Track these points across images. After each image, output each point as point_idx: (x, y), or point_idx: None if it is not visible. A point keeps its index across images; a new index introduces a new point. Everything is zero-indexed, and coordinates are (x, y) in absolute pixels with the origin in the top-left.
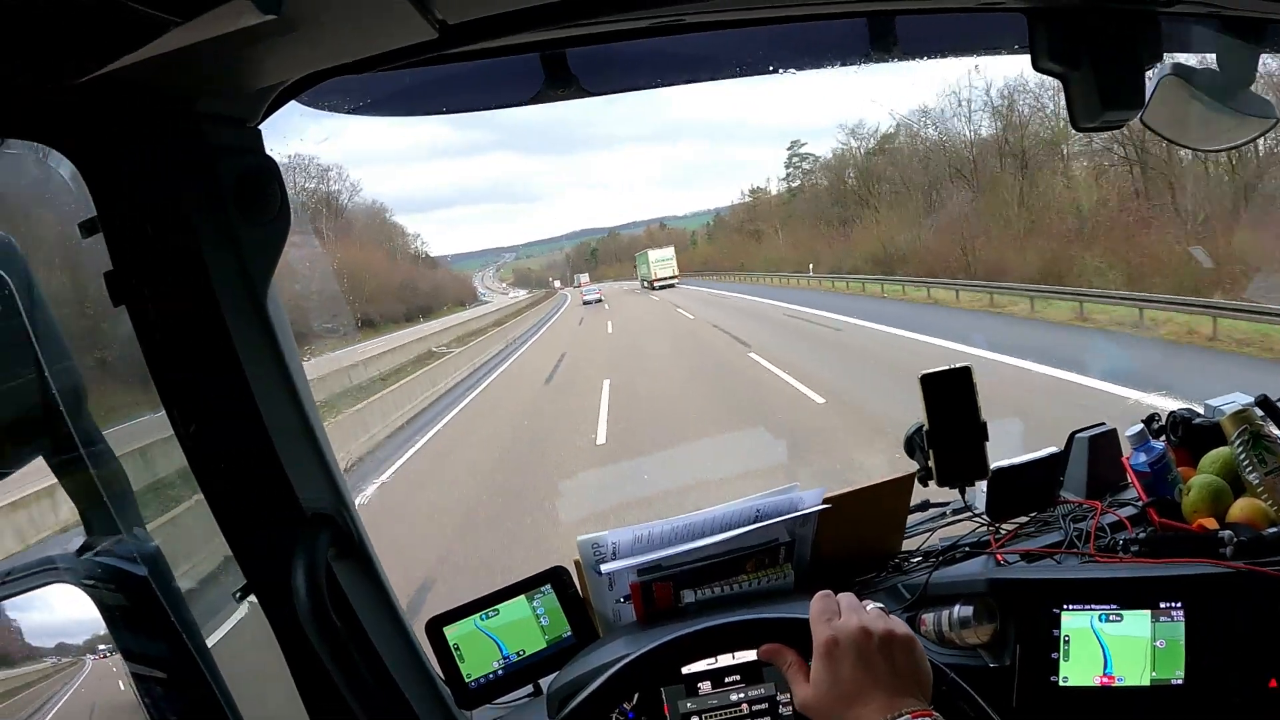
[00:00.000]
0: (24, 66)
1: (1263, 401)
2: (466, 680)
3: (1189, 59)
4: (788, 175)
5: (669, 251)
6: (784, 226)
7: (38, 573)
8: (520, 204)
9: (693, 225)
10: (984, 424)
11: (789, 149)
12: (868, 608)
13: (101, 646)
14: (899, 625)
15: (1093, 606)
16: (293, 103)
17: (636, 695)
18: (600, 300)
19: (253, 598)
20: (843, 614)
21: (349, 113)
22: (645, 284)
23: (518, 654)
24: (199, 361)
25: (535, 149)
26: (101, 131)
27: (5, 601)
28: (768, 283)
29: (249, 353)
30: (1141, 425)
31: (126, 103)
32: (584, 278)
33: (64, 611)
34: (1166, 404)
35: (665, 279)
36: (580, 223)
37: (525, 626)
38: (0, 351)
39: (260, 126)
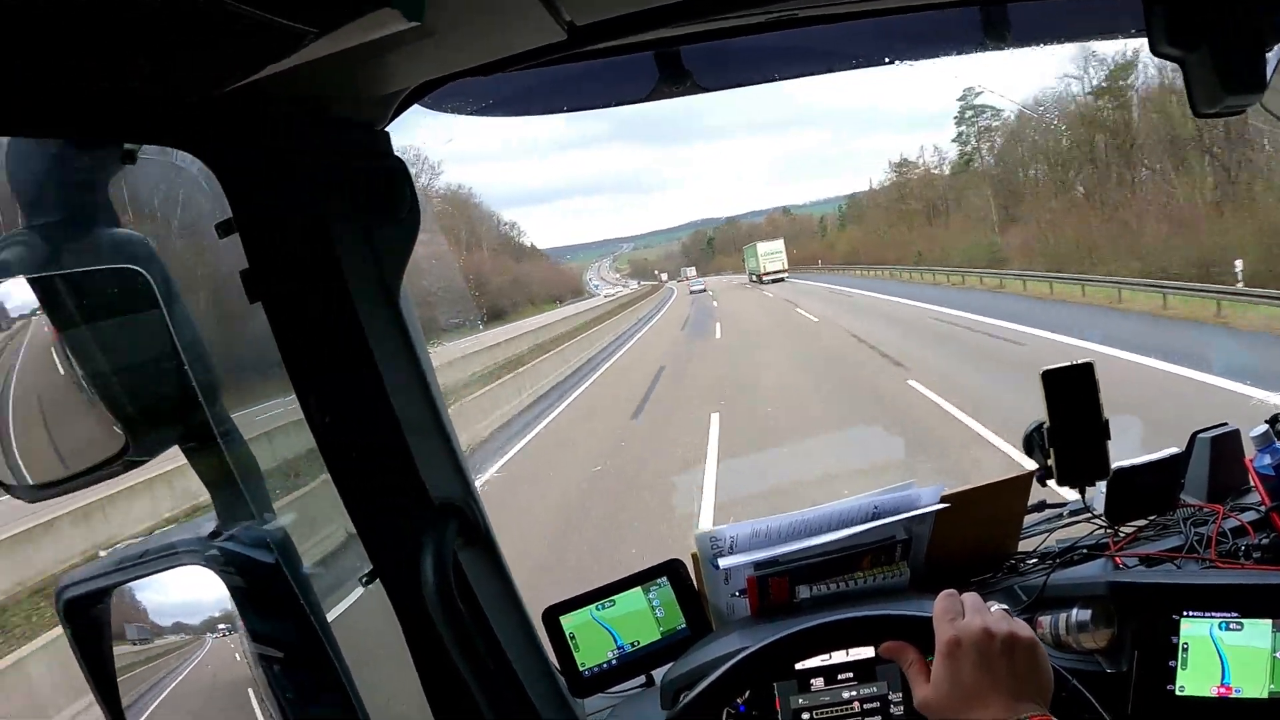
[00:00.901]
0: (170, 80)
1: None
2: (581, 669)
3: None
4: (960, 135)
5: (778, 244)
6: (991, 197)
7: (170, 555)
8: (638, 194)
9: (818, 213)
10: (1106, 422)
11: (960, 100)
12: (992, 609)
13: (221, 626)
14: (1022, 628)
15: (1213, 614)
16: (415, 105)
17: (749, 690)
18: (705, 290)
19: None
20: (966, 614)
21: (471, 114)
22: (754, 277)
23: (632, 644)
24: (334, 355)
25: (652, 139)
26: (238, 137)
27: (137, 582)
28: (1042, 292)
29: (381, 347)
30: (1266, 426)
31: (263, 110)
32: (690, 271)
33: (193, 594)
34: None
35: (774, 272)
36: (698, 212)
37: (641, 618)
38: (139, 344)
39: (388, 129)
